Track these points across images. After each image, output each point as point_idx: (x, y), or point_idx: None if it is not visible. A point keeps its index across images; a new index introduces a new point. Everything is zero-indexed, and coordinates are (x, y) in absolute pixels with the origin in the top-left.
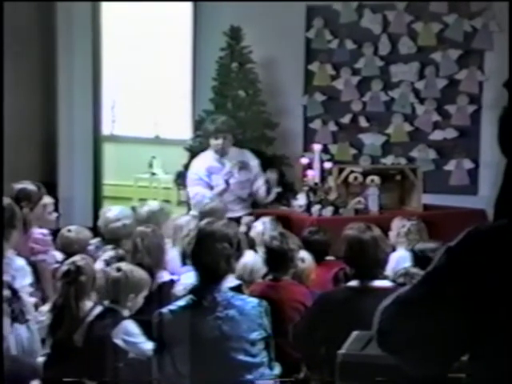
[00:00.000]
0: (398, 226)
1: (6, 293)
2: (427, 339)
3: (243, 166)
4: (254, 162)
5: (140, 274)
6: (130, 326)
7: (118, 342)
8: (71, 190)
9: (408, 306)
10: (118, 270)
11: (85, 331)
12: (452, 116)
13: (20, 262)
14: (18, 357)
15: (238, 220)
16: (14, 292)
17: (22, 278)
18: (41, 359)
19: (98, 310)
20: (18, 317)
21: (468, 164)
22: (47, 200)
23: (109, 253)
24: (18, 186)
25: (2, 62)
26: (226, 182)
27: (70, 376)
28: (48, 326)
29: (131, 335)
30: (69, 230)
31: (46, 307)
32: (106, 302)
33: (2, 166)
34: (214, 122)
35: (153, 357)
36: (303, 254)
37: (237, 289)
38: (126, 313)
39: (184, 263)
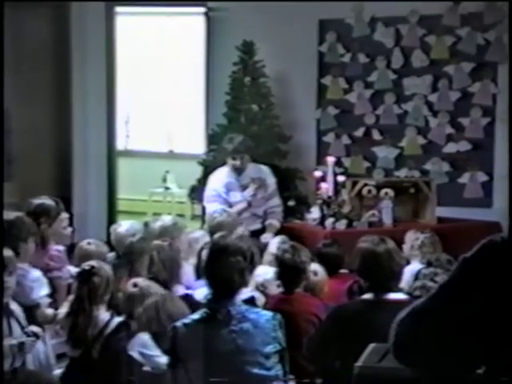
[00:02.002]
0: (412, 238)
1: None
2: (443, 351)
3: (261, 184)
4: (271, 180)
5: (156, 290)
6: (146, 338)
7: (134, 354)
8: (85, 205)
9: (424, 317)
10: (135, 285)
11: (102, 344)
12: (465, 129)
13: (36, 273)
14: (35, 371)
15: (252, 234)
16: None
17: (39, 288)
18: (58, 372)
19: (116, 321)
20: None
21: (482, 177)
22: (62, 215)
23: None
24: (37, 201)
25: (3, 64)
26: (249, 203)
27: None
28: (67, 333)
29: (147, 348)
30: (88, 243)
31: (63, 310)
32: (123, 316)
33: (2, 180)
34: (232, 142)
35: (167, 371)
36: (316, 266)
37: (250, 301)
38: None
39: (198, 277)
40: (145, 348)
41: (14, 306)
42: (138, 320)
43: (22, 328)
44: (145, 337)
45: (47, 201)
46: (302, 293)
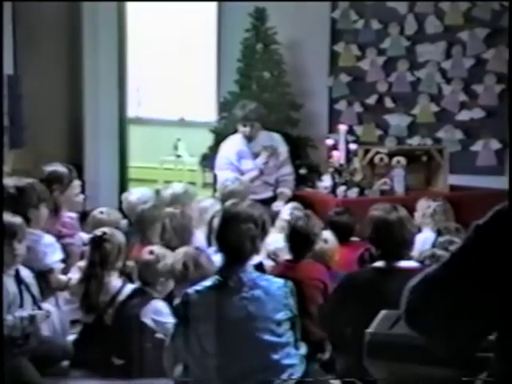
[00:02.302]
0: (424, 206)
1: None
2: (455, 317)
3: (272, 152)
4: (283, 148)
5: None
6: (160, 305)
7: (147, 321)
8: (97, 173)
9: (436, 284)
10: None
11: (115, 310)
12: (479, 96)
13: (49, 238)
14: (50, 337)
15: (263, 202)
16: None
17: (53, 254)
18: (71, 338)
19: (129, 289)
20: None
21: (495, 144)
22: (75, 182)
23: None
24: (49, 168)
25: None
26: (261, 171)
27: (99, 355)
28: (79, 299)
29: (160, 315)
30: (101, 212)
31: (75, 276)
32: (138, 283)
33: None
34: (243, 109)
35: (179, 336)
36: (327, 234)
37: (258, 267)
38: (156, 295)
39: (210, 244)
40: (158, 315)
41: (26, 273)
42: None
43: (33, 297)
44: (159, 303)
45: (60, 168)
46: (307, 260)
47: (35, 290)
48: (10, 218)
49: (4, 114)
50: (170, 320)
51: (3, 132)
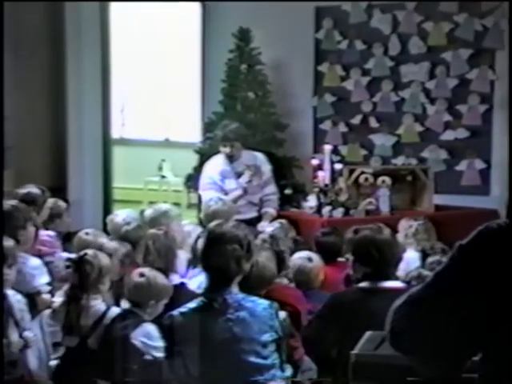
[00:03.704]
0: (405, 226)
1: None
2: (440, 338)
3: (256, 171)
4: (266, 167)
5: (163, 281)
6: (151, 328)
7: (137, 343)
8: (81, 194)
9: (420, 305)
10: (142, 275)
11: (103, 333)
12: (463, 116)
13: (36, 261)
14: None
15: (248, 222)
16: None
17: (40, 276)
18: (53, 362)
19: (114, 312)
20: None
21: (480, 164)
22: (62, 203)
23: None
24: (23, 190)
25: (2, 63)
26: (245, 190)
27: (83, 377)
28: (61, 322)
29: (151, 338)
30: (86, 233)
31: (58, 299)
32: (126, 305)
33: (2, 169)
34: (223, 129)
35: (164, 359)
36: (310, 253)
37: None
38: (146, 317)
39: (194, 266)
40: (149, 338)
41: (15, 299)
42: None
43: (17, 324)
44: (149, 326)
45: (33, 189)
46: (281, 284)
47: (26, 315)
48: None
49: None
50: (160, 344)
51: (3, 151)
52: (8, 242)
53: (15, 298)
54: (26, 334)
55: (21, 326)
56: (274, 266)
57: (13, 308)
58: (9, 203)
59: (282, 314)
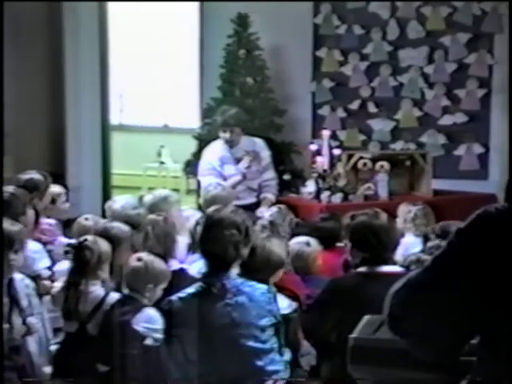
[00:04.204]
0: (404, 211)
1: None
2: (438, 322)
3: (255, 157)
4: (265, 153)
5: (160, 265)
6: (153, 313)
7: (139, 328)
8: (80, 180)
9: (419, 289)
10: (139, 259)
11: (102, 319)
12: (461, 100)
13: (36, 245)
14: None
15: (247, 208)
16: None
17: (40, 260)
18: (53, 347)
19: (113, 298)
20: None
21: (478, 148)
22: (59, 190)
23: None
24: (25, 176)
25: (2, 60)
26: (244, 175)
27: (83, 363)
28: (61, 308)
29: (154, 323)
30: (86, 219)
31: (58, 284)
32: (126, 290)
33: (2, 162)
34: (223, 115)
35: (163, 344)
36: (308, 238)
37: None
38: (146, 302)
39: (193, 251)
40: (150, 323)
41: (23, 283)
42: None
43: (21, 310)
44: (151, 311)
45: (35, 175)
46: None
47: (33, 299)
48: (8, 225)
49: None
50: (161, 327)
51: (3, 138)
52: (15, 227)
53: (23, 283)
54: (30, 319)
55: (24, 312)
56: (283, 252)
57: (18, 293)
58: (7, 190)
59: (293, 305)
